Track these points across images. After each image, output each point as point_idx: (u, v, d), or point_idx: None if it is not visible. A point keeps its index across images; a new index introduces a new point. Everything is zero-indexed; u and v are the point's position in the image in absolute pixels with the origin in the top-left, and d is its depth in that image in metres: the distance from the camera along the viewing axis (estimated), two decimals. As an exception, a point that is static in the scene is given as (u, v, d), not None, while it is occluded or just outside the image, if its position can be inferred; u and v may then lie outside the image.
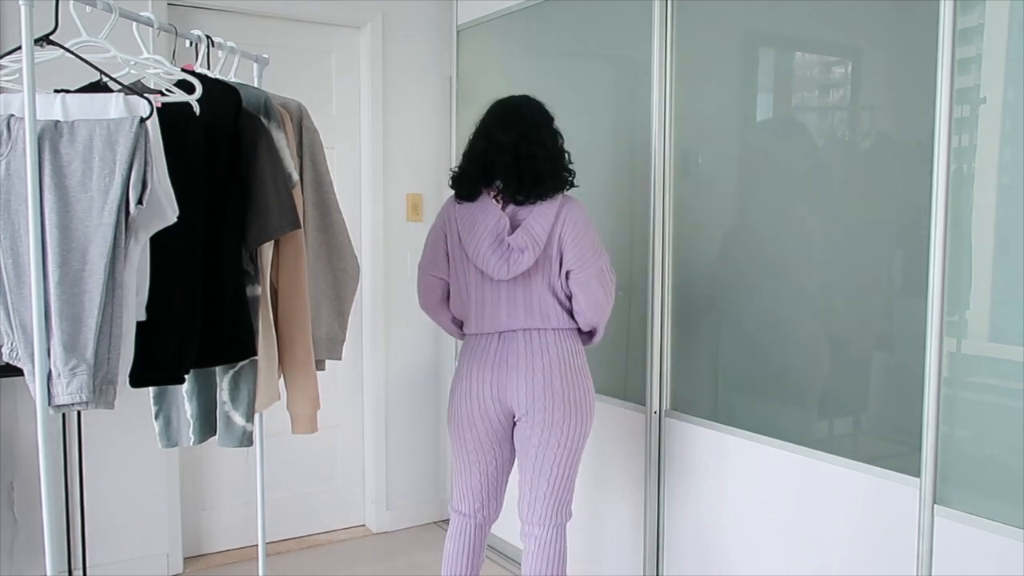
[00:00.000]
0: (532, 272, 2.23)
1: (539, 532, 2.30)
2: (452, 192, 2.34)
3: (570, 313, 2.29)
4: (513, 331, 2.26)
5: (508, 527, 2.86)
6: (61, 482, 2.87)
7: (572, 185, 2.29)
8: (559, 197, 2.23)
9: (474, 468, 2.36)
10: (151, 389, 2.18)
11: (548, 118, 2.30)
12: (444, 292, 2.39)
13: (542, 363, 2.23)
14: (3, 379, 2.77)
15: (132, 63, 1.88)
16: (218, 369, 2.07)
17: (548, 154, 2.24)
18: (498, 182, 2.24)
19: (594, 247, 2.25)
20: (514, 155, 2.21)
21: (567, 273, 2.24)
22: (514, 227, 2.23)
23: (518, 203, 2.23)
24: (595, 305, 2.26)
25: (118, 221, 1.58)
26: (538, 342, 2.25)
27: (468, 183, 2.28)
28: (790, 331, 2.29)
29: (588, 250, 2.23)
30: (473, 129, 2.32)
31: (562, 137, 2.30)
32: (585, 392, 2.28)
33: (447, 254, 2.34)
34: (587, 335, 2.37)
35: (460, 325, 2.42)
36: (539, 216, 2.20)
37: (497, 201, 2.26)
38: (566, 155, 2.30)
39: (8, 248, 1.61)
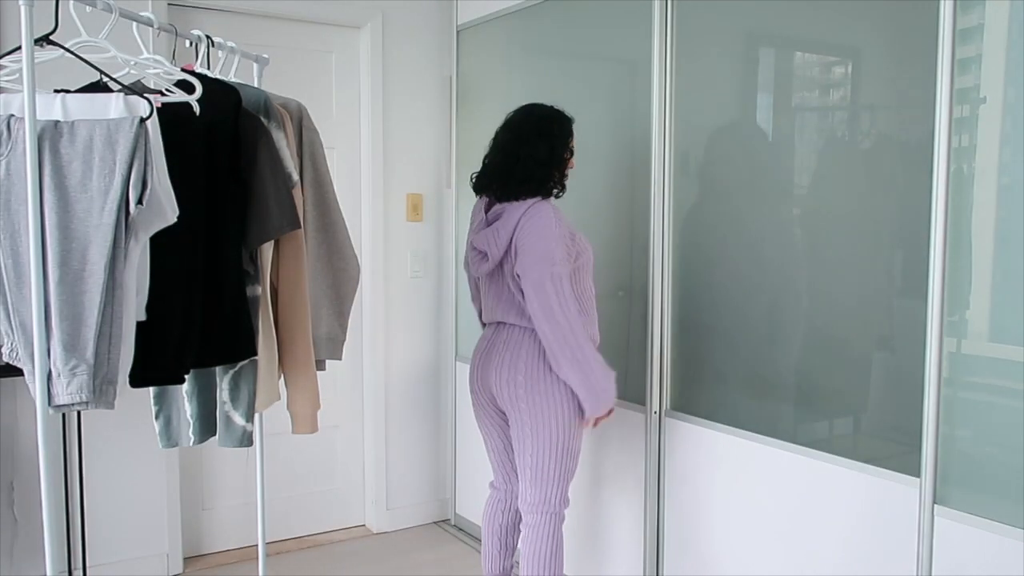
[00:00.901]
0: (506, 270, 2.32)
1: (530, 519, 2.38)
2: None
3: None
4: (501, 324, 2.39)
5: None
6: (61, 482, 2.87)
7: (551, 193, 2.33)
8: (530, 200, 2.27)
9: (488, 443, 2.54)
10: (151, 389, 2.18)
11: (550, 126, 2.34)
12: (475, 284, 2.55)
13: (511, 357, 2.32)
14: (3, 379, 2.77)
15: (132, 63, 1.88)
16: (218, 369, 2.07)
17: (531, 157, 2.28)
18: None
19: (539, 256, 2.20)
20: (503, 155, 2.34)
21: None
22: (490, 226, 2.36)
23: (500, 201, 2.33)
24: (536, 315, 2.21)
25: (118, 221, 1.58)
26: (515, 337, 2.33)
27: (475, 183, 2.44)
28: (790, 331, 2.29)
29: (531, 257, 2.20)
30: None
31: (565, 148, 2.35)
32: (552, 388, 2.28)
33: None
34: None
35: None
36: (507, 217, 2.28)
37: (483, 200, 2.42)
38: (558, 164, 2.33)
39: (8, 248, 1.61)
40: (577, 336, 2.20)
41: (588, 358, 2.22)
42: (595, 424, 2.35)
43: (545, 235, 2.21)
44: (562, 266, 2.21)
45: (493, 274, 2.37)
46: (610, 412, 2.34)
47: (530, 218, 2.23)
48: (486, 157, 2.41)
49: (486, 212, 2.38)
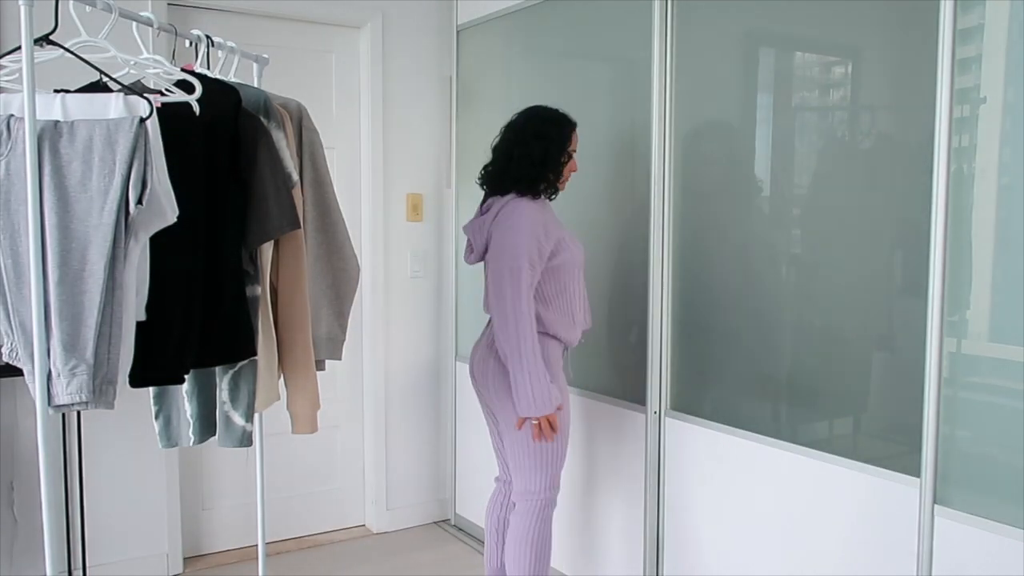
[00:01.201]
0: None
1: (518, 506, 2.45)
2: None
3: None
4: (491, 318, 2.44)
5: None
6: (61, 482, 2.87)
7: (540, 193, 2.36)
8: (512, 195, 2.33)
9: (490, 432, 2.60)
10: (151, 389, 2.18)
11: (548, 128, 2.37)
12: None
13: (488, 349, 2.40)
14: (3, 379, 2.77)
15: (132, 63, 1.88)
16: (218, 369, 2.07)
17: (525, 157, 2.33)
18: None
19: (504, 248, 2.26)
20: (501, 154, 2.40)
21: None
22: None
23: (492, 196, 2.41)
24: (491, 304, 2.31)
25: (118, 221, 1.58)
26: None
27: (481, 180, 2.49)
28: (790, 331, 2.29)
29: (497, 250, 2.29)
30: None
31: (562, 151, 2.37)
32: None
33: None
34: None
35: None
36: (492, 211, 2.36)
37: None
38: (553, 166, 2.36)
39: (8, 248, 1.61)
40: (520, 333, 2.22)
41: (526, 357, 2.22)
42: (536, 435, 2.29)
43: (515, 229, 2.26)
44: (525, 261, 2.23)
45: (488, 267, 2.43)
46: (552, 427, 2.28)
47: (507, 213, 2.29)
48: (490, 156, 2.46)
49: (480, 205, 2.46)
